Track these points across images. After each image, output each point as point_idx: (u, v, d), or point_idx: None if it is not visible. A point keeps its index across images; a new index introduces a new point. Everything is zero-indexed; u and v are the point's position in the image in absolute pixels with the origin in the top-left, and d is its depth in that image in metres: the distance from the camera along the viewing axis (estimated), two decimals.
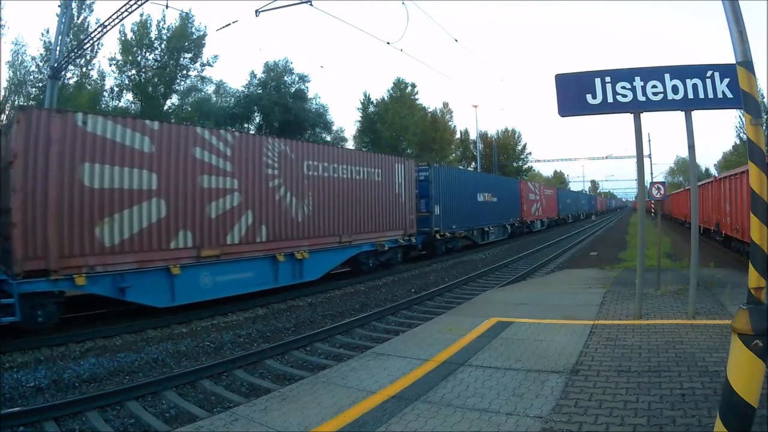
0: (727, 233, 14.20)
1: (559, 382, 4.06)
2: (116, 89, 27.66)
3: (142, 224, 8.09)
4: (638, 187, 7.76)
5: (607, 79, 5.92)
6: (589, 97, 5.97)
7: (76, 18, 24.24)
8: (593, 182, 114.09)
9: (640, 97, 5.85)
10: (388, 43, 17.08)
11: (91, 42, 18.13)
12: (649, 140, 37.17)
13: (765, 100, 27.83)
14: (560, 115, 6.12)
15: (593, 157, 69.17)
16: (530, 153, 62.20)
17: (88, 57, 24.95)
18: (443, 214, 17.59)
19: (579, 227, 39.26)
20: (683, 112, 5.96)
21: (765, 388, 2.62)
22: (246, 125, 32.26)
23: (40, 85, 23.58)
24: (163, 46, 27.99)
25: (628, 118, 6.15)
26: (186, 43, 28.39)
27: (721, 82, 5.57)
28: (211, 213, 9.06)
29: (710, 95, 5.62)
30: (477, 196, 21.36)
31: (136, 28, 27.11)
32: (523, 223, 28.69)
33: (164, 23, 27.88)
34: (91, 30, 21.99)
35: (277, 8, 12.33)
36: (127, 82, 27.69)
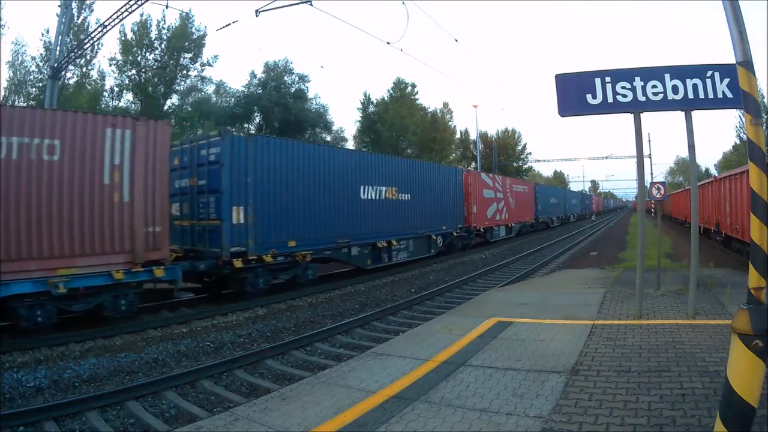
0: (727, 233, 14.20)
1: (559, 382, 4.06)
2: (116, 89, 27.66)
3: None
4: (638, 187, 7.77)
5: (607, 79, 5.92)
6: (589, 97, 5.97)
7: (76, 18, 24.20)
8: (593, 182, 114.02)
9: (640, 97, 5.85)
10: (388, 43, 17.19)
11: (91, 42, 18.13)
12: (649, 140, 37.29)
13: (765, 100, 27.83)
14: (560, 115, 6.12)
15: (593, 157, 69.19)
16: (530, 153, 62.33)
17: (88, 57, 24.91)
18: (261, 221, 10.15)
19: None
20: (683, 112, 5.97)
21: (765, 388, 2.62)
22: (246, 125, 32.28)
23: (40, 85, 23.55)
24: (163, 46, 27.97)
25: (628, 118, 6.16)
26: (186, 43, 28.36)
27: (721, 82, 5.57)
28: None
29: (710, 95, 5.62)
30: (360, 191, 13.20)
31: (136, 28, 27.08)
32: (472, 231, 20.39)
33: (164, 23, 27.85)
34: (91, 30, 21.98)
35: (277, 8, 12.35)
36: (127, 82, 27.68)
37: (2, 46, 26.78)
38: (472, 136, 50.44)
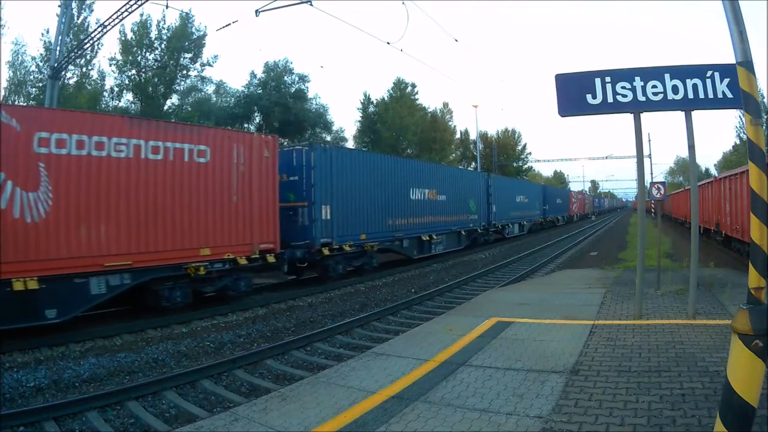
0: (727, 233, 14.20)
1: (559, 382, 4.06)
2: (116, 89, 27.61)
3: None
4: (638, 187, 7.77)
5: (607, 79, 5.92)
6: (589, 97, 5.97)
7: (76, 18, 24.16)
8: (593, 182, 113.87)
9: (640, 97, 5.85)
10: (388, 43, 17.20)
11: (91, 42, 18.11)
12: (649, 140, 37.21)
13: (765, 100, 27.81)
14: (560, 115, 6.12)
15: (593, 157, 69.08)
16: (530, 153, 62.21)
17: (88, 57, 24.87)
18: None
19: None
20: (683, 112, 5.97)
21: (765, 388, 2.62)
22: (246, 125, 32.26)
23: (40, 85, 23.52)
24: (163, 46, 27.92)
25: (628, 118, 6.15)
26: (186, 43, 28.32)
27: (721, 82, 5.57)
28: None
29: (710, 95, 5.62)
30: None
31: (136, 28, 27.02)
32: None
33: (164, 23, 27.79)
34: (91, 30, 21.96)
35: (277, 8, 12.31)
36: (127, 82, 27.64)
37: (2, 46, 26.75)
38: (472, 136, 50.47)
